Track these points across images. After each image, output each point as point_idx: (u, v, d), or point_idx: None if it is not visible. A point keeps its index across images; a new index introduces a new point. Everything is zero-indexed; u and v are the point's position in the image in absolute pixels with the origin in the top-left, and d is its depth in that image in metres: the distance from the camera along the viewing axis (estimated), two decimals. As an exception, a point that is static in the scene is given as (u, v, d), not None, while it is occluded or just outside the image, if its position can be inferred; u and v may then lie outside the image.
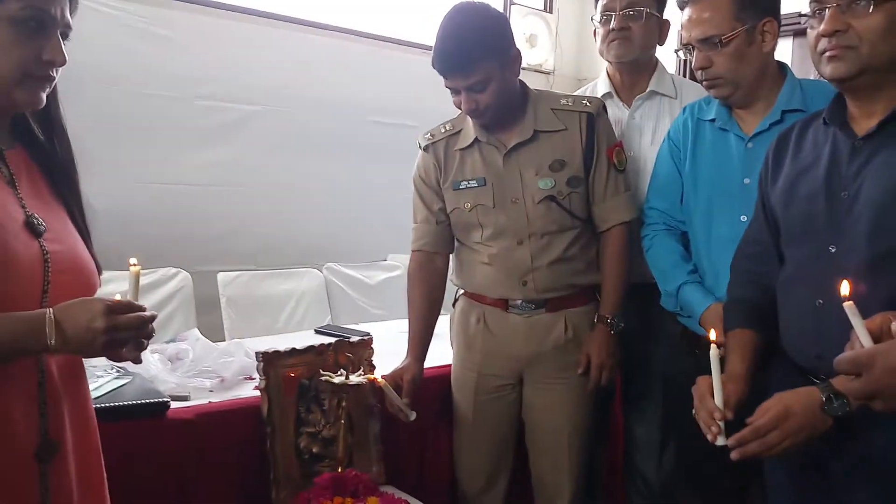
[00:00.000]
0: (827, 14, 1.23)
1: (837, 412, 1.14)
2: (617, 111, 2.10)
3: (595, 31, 2.11)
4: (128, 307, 1.10)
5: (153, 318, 1.14)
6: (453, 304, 2.04)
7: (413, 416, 1.82)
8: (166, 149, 3.25)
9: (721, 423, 1.25)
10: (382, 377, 1.81)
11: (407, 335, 1.96)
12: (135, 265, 1.19)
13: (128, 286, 1.17)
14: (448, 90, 1.80)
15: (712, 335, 1.29)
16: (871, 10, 1.19)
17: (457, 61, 1.72)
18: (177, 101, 3.25)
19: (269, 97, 3.49)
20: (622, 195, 1.89)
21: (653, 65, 2.12)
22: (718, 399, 1.26)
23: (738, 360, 1.36)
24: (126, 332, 1.09)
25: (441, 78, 1.78)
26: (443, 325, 2.03)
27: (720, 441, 1.25)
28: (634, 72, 2.10)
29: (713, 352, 1.26)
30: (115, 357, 1.17)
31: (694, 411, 1.30)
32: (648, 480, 2.17)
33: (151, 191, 3.21)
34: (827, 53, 1.25)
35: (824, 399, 1.15)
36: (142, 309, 1.12)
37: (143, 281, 3.06)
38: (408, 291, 1.99)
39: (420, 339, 1.93)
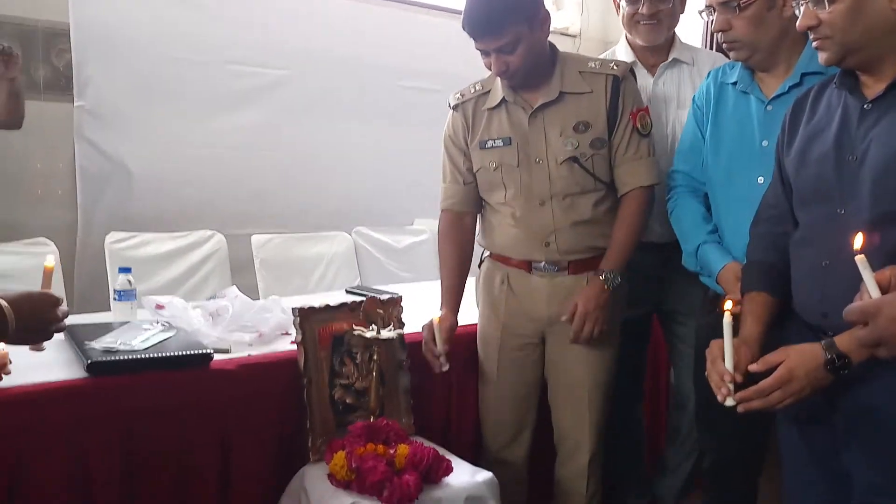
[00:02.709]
0: (801, 11, 1.32)
1: (840, 371, 1.20)
2: (642, 80, 2.14)
3: (618, 4, 2.15)
4: (60, 301, 1.30)
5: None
6: (479, 265, 2.10)
7: (446, 367, 1.88)
8: (199, 113, 3.32)
9: (731, 385, 1.31)
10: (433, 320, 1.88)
11: (435, 294, 2.02)
12: (50, 264, 1.40)
13: (43, 281, 1.38)
14: (478, 53, 1.83)
15: (727, 304, 1.34)
16: (828, 6, 1.27)
17: (486, 24, 1.75)
18: (209, 65, 3.31)
19: (299, 61, 3.53)
20: (644, 160, 1.90)
21: (672, 35, 2.17)
22: (729, 362, 1.32)
23: (753, 323, 1.41)
24: (63, 323, 1.30)
25: (470, 41, 1.81)
26: (469, 285, 2.09)
27: (730, 402, 1.32)
28: (657, 46, 2.16)
29: (726, 318, 1.31)
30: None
31: (706, 373, 1.37)
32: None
33: (186, 155, 3.29)
34: (813, 45, 1.34)
35: (827, 358, 1.20)
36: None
37: (181, 243, 3.19)
38: (439, 248, 2.05)
39: (453, 292, 2.00)
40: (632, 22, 2.12)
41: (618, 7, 2.16)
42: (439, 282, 2.05)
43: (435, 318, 1.90)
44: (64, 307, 1.31)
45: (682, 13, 2.16)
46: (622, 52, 2.20)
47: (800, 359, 1.23)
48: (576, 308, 1.86)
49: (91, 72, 3.04)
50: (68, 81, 3.01)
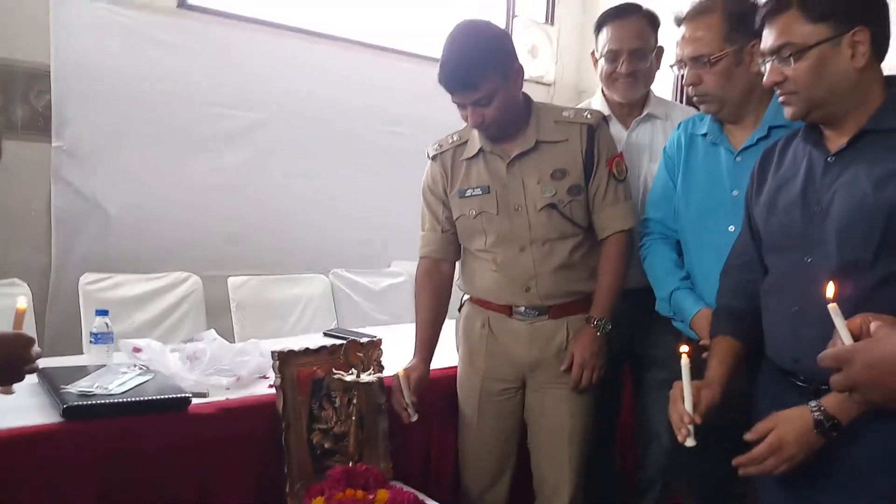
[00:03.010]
0: (767, 67, 1.39)
1: (830, 432, 1.23)
2: (614, 132, 2.20)
3: (596, 60, 2.21)
4: (33, 341, 1.31)
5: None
6: (459, 309, 2.12)
7: (415, 417, 1.88)
8: (178, 155, 3.34)
9: (690, 427, 1.36)
10: (398, 373, 1.90)
11: (413, 338, 2.03)
12: (22, 306, 1.39)
13: (15, 322, 1.37)
14: (454, 103, 1.88)
15: (683, 348, 1.38)
16: (793, 64, 1.34)
17: (462, 79, 1.80)
18: (187, 107, 3.35)
19: (277, 105, 3.59)
20: (622, 204, 1.95)
21: (647, 90, 2.24)
22: (688, 404, 1.37)
23: (717, 366, 1.47)
24: (35, 364, 1.31)
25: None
26: (449, 328, 2.11)
27: (689, 442, 1.37)
28: (633, 102, 2.23)
29: (683, 361, 1.36)
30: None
31: (669, 413, 1.41)
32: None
33: (163, 196, 3.30)
34: (780, 100, 1.41)
35: (816, 420, 1.23)
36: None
37: (156, 284, 3.15)
38: (415, 296, 2.07)
39: (427, 342, 2.01)
40: (610, 80, 2.18)
41: (596, 63, 2.23)
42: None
43: (400, 371, 1.90)
44: (37, 348, 1.31)
45: (658, 69, 2.23)
46: (598, 105, 2.27)
47: (789, 424, 1.26)
48: (573, 358, 1.90)
49: (70, 113, 3.05)
50: (47, 122, 3.01)
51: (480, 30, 1.86)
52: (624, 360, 2.29)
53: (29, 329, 2.53)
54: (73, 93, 3.05)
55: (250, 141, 3.54)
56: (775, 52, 1.36)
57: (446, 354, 2.13)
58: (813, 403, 1.26)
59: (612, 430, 2.39)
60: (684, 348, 1.38)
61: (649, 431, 2.27)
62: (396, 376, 1.91)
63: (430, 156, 2.04)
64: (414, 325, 2.06)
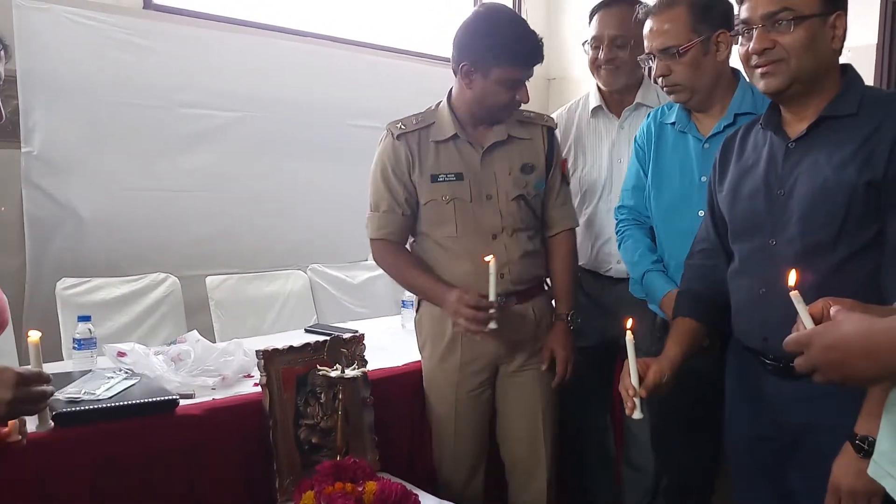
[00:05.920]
0: (755, 33, 1.38)
1: (870, 451, 1.21)
2: (607, 122, 2.26)
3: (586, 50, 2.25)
4: (38, 378, 1.19)
5: (52, 393, 1.24)
6: (416, 310, 2.11)
7: (494, 325, 1.81)
8: (151, 156, 3.33)
9: (637, 399, 1.41)
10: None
11: (393, 330, 2.07)
12: (33, 336, 1.26)
13: (31, 356, 1.26)
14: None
15: (628, 323, 1.43)
16: (792, 29, 1.34)
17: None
18: (159, 109, 3.34)
19: (249, 103, 3.58)
20: (568, 204, 2.10)
21: (639, 80, 2.25)
22: (634, 378, 1.42)
23: (672, 345, 1.53)
24: (30, 405, 1.20)
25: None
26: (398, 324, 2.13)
27: (636, 415, 1.42)
28: (623, 91, 2.25)
29: (628, 337, 1.41)
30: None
31: (619, 387, 1.47)
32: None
33: (137, 198, 3.29)
34: (759, 70, 1.40)
35: (856, 447, 1.24)
36: (48, 380, 1.22)
37: (134, 287, 3.12)
38: (393, 264, 2.02)
39: (439, 279, 1.95)
40: (594, 66, 2.23)
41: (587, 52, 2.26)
42: (395, 316, 2.08)
43: (489, 258, 1.79)
44: (39, 388, 1.21)
45: None
46: (593, 99, 2.30)
47: (838, 465, 1.27)
48: (551, 354, 1.99)
49: (39, 117, 3.03)
50: (15, 127, 2.98)
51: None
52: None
53: (6, 337, 2.51)
54: (41, 98, 3.02)
55: (223, 140, 3.54)
56: (769, 17, 1.35)
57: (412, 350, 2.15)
58: (849, 440, 1.27)
59: (606, 389, 2.40)
60: (629, 324, 1.43)
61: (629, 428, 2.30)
62: (493, 260, 1.79)
63: (395, 135, 1.96)
64: (394, 316, 2.09)
